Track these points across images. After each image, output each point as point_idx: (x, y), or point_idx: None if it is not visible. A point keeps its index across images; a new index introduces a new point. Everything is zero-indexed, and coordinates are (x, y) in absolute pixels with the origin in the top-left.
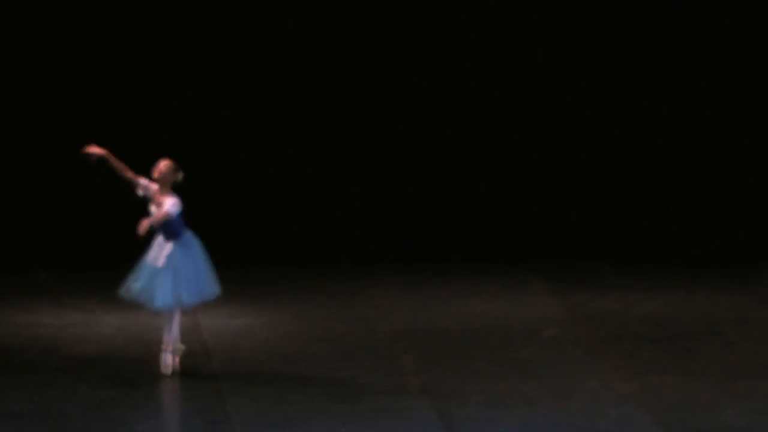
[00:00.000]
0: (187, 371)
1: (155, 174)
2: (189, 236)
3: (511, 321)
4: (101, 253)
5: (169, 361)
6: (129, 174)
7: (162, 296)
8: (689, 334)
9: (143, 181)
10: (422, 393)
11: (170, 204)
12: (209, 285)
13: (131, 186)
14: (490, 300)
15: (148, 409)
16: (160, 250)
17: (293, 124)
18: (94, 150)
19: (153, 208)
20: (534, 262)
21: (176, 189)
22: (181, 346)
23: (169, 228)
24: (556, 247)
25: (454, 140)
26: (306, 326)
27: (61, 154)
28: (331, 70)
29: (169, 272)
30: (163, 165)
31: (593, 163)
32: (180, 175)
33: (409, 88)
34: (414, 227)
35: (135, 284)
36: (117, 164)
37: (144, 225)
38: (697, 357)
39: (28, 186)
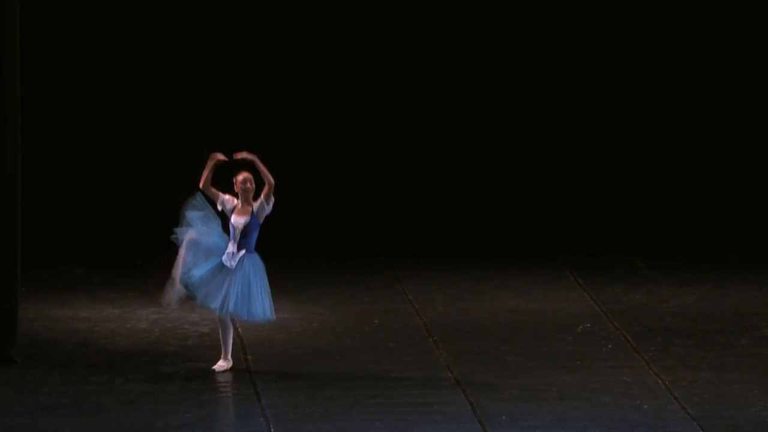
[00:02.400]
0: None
1: (240, 189)
2: (257, 256)
3: (544, 315)
4: (137, 248)
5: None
6: (212, 189)
7: (219, 299)
8: (722, 328)
9: (224, 196)
10: (456, 387)
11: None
12: (263, 308)
13: (210, 197)
14: (524, 294)
15: (183, 403)
16: (233, 255)
17: (328, 122)
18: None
19: (233, 219)
20: (567, 257)
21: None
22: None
23: (250, 237)
24: (589, 242)
25: (488, 135)
26: (340, 320)
27: (96, 151)
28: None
29: (235, 278)
30: (243, 178)
31: (626, 158)
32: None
33: (448, 86)
34: (448, 221)
35: (196, 273)
36: (209, 173)
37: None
38: (730, 351)
39: (64, 181)
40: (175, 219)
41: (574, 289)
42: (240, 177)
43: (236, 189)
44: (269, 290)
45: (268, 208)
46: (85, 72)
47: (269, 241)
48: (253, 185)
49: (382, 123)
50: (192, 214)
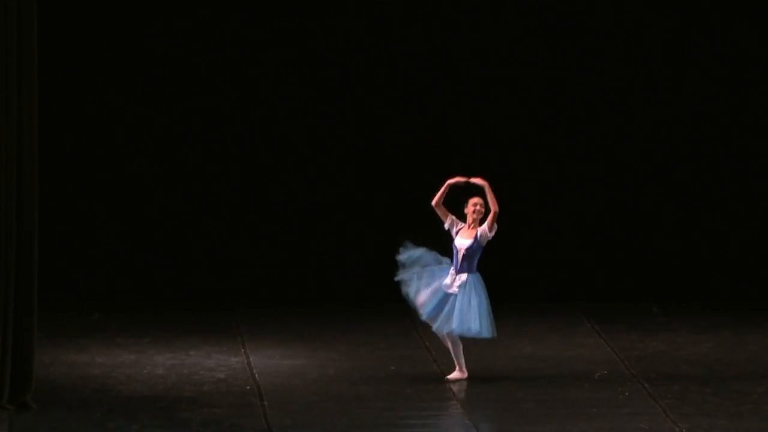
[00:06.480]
0: (240, 413)
1: (471, 211)
2: (479, 276)
3: (560, 362)
4: (153, 294)
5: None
6: (443, 208)
7: (452, 322)
8: (739, 375)
9: (453, 217)
10: None
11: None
12: (487, 325)
13: (440, 215)
14: (539, 341)
15: None
16: (454, 279)
17: (344, 168)
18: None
19: (457, 241)
20: (582, 304)
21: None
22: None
23: (472, 259)
24: (605, 289)
25: (503, 180)
26: (356, 366)
27: (112, 197)
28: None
29: (461, 300)
30: (475, 202)
31: (642, 204)
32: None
33: (461, 129)
34: None
35: (427, 305)
36: (442, 194)
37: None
38: (747, 399)
39: (81, 225)
40: (193, 263)
41: (591, 336)
42: (472, 200)
43: (466, 211)
44: (489, 308)
45: (491, 234)
46: (100, 117)
47: (288, 287)
48: (483, 210)
49: (401, 180)
50: (407, 255)
